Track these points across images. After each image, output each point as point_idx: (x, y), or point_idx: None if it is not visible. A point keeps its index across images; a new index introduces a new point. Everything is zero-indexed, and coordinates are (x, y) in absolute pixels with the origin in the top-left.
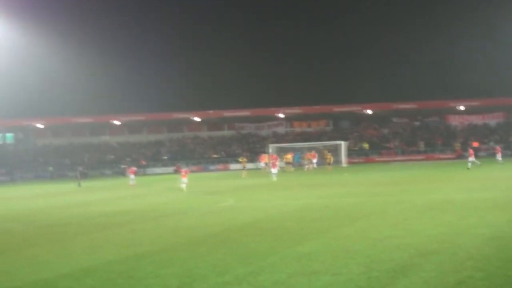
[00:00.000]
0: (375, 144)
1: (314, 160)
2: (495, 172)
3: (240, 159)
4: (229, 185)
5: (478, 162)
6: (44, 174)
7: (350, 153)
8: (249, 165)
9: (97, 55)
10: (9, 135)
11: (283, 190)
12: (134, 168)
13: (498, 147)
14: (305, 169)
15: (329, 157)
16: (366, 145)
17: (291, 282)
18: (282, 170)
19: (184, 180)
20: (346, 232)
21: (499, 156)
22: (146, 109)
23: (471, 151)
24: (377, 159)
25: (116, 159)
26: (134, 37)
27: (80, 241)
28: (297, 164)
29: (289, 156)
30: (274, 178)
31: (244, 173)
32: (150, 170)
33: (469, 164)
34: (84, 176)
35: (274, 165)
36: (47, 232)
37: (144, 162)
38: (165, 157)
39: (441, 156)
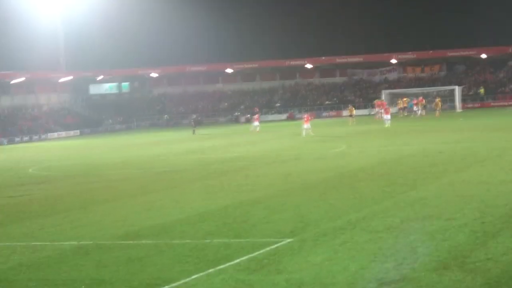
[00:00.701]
0: (491, 89)
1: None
2: None
3: (349, 109)
4: (341, 131)
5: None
6: (160, 122)
7: (465, 98)
8: (361, 112)
9: (211, 2)
10: (125, 84)
11: (396, 135)
12: (258, 115)
13: None
14: (418, 114)
15: (438, 103)
16: (482, 90)
17: (404, 227)
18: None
19: (305, 126)
20: (460, 177)
21: None
22: (259, 56)
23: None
24: (492, 104)
25: (230, 106)
26: None
27: (195, 187)
28: (410, 110)
29: (404, 101)
30: (387, 124)
31: (351, 121)
32: (264, 117)
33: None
34: (198, 123)
35: (387, 111)
36: (163, 178)
37: (257, 109)
38: (278, 104)
39: None
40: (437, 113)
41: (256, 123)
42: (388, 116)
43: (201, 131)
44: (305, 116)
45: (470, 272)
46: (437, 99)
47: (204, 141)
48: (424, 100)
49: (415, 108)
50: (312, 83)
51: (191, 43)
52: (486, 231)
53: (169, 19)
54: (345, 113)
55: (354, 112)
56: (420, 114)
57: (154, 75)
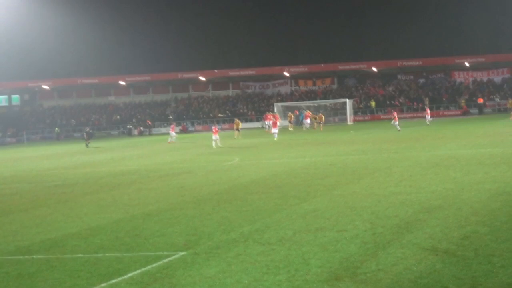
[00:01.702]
0: (381, 102)
1: (307, 120)
2: (502, 128)
3: (235, 123)
4: (234, 144)
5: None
6: (51, 135)
7: (356, 111)
8: (253, 124)
9: (102, 15)
10: (15, 97)
11: (289, 148)
12: (174, 125)
13: None
14: (308, 127)
15: (320, 117)
16: (372, 103)
17: (296, 239)
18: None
19: (214, 137)
20: (351, 189)
21: None
22: (152, 69)
23: (394, 113)
24: (382, 116)
25: (122, 119)
26: None
27: (87, 201)
28: (300, 123)
29: (292, 115)
30: (275, 138)
31: (237, 134)
32: (156, 130)
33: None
34: (91, 136)
35: (274, 125)
36: (54, 192)
37: (150, 122)
38: (171, 117)
39: (446, 112)
40: (320, 126)
41: (173, 133)
42: (276, 130)
43: (94, 144)
44: (214, 127)
45: (361, 283)
46: (320, 113)
47: (96, 154)
48: (310, 114)
49: (307, 120)
50: (205, 96)
51: (83, 55)
52: (376, 242)
53: (60, 30)
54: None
55: (240, 125)
56: (310, 127)
57: (45, 87)
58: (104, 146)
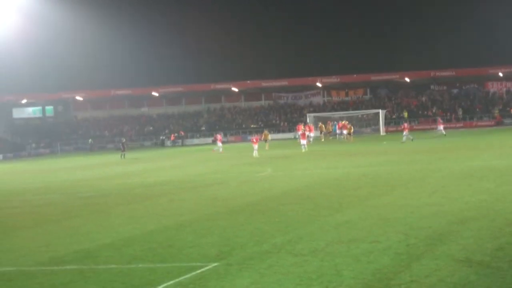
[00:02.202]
0: (414, 112)
1: (344, 131)
2: None
3: (263, 134)
4: (267, 155)
5: (410, 137)
6: (84, 146)
7: (389, 121)
8: (286, 135)
9: (136, 27)
10: (49, 108)
11: (321, 159)
12: (220, 136)
13: None
14: (343, 138)
15: (349, 127)
16: (405, 114)
17: (329, 250)
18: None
19: (255, 147)
20: (384, 200)
21: None
22: (184, 80)
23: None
24: (415, 127)
25: (155, 130)
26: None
27: (120, 212)
28: (334, 134)
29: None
30: (303, 150)
31: (267, 145)
32: (189, 141)
33: (404, 138)
34: (126, 147)
35: (303, 136)
36: (88, 203)
37: (183, 133)
38: (203, 128)
39: (480, 123)
40: (351, 138)
41: (220, 144)
42: (304, 141)
43: (128, 155)
44: (254, 138)
45: None
46: (348, 124)
47: (129, 165)
48: (348, 125)
49: (338, 131)
50: (238, 106)
51: (117, 67)
52: (410, 254)
53: (94, 42)
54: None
55: (269, 137)
56: (346, 138)
57: (78, 98)
58: (139, 157)
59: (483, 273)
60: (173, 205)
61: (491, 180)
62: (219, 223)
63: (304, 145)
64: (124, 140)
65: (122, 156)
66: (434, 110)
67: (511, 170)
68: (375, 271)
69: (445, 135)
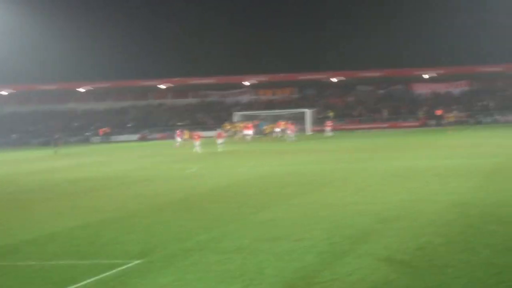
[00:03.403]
0: (340, 112)
1: (249, 131)
2: (459, 139)
3: (185, 134)
4: (193, 153)
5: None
6: (8, 141)
7: (316, 121)
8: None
9: (62, 21)
10: None
11: (247, 157)
12: (180, 131)
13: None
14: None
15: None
16: (331, 113)
17: (253, 248)
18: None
19: (197, 143)
20: (309, 198)
21: None
22: (111, 76)
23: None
24: (341, 127)
25: (81, 126)
26: (101, 2)
27: (43, 208)
28: (260, 132)
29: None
30: (219, 149)
31: (184, 144)
32: (115, 137)
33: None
34: (59, 143)
35: (219, 135)
36: (10, 199)
37: (109, 130)
38: (130, 125)
39: (405, 124)
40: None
41: (179, 138)
42: (221, 141)
43: (59, 151)
44: (195, 134)
45: None
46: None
47: (54, 161)
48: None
49: (276, 129)
50: (165, 104)
51: (43, 61)
52: (333, 252)
53: (19, 35)
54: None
55: (188, 135)
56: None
57: (3, 93)
58: (63, 153)
59: (403, 272)
60: (98, 202)
61: (414, 180)
62: (143, 220)
63: (220, 144)
64: (57, 136)
65: (55, 152)
66: (359, 110)
67: (433, 170)
68: (298, 269)
69: (332, 136)
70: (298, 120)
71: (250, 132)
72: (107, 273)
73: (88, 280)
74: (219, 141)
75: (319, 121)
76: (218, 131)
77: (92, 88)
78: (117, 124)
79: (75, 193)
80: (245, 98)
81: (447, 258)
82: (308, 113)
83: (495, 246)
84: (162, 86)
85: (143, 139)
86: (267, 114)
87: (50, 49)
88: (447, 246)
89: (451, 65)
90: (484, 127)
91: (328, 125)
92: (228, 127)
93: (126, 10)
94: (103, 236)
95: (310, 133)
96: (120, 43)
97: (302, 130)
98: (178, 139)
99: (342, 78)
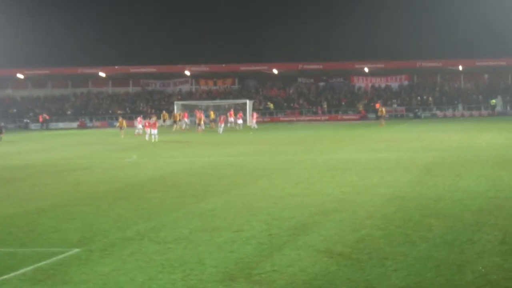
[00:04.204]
0: (280, 104)
1: (186, 120)
2: (398, 133)
3: (119, 122)
4: (133, 142)
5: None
6: None
7: (256, 112)
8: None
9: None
10: None
11: (188, 147)
12: (140, 118)
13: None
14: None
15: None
16: (271, 105)
17: (192, 238)
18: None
19: (153, 131)
20: (249, 190)
21: None
22: (51, 63)
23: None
24: (282, 118)
25: (19, 113)
26: None
27: None
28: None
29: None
30: (146, 138)
31: (122, 133)
32: (54, 125)
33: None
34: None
35: (148, 125)
36: None
37: (48, 117)
38: (69, 112)
39: (345, 116)
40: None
41: (140, 125)
42: (154, 131)
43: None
44: (147, 121)
45: (256, 283)
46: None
47: None
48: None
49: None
50: (105, 92)
51: None
52: (272, 243)
53: None
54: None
55: (125, 124)
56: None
57: None
58: (7, 140)
59: (343, 264)
60: (35, 190)
61: (353, 173)
62: (82, 208)
63: (154, 134)
64: (2, 124)
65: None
66: (300, 102)
67: (373, 163)
68: (238, 260)
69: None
70: (238, 111)
71: (187, 121)
72: (46, 261)
73: (27, 268)
74: (153, 130)
75: (260, 112)
76: (150, 120)
77: (31, 75)
78: (56, 111)
79: (13, 180)
80: (185, 88)
81: (386, 250)
82: (248, 103)
83: (434, 240)
84: (102, 74)
85: (82, 126)
86: (208, 104)
87: None
88: (386, 239)
89: (391, 59)
90: (423, 121)
91: (254, 117)
92: (166, 116)
93: None
94: (41, 224)
95: (251, 124)
96: (61, 30)
97: (244, 121)
98: (139, 126)
99: (284, 70)
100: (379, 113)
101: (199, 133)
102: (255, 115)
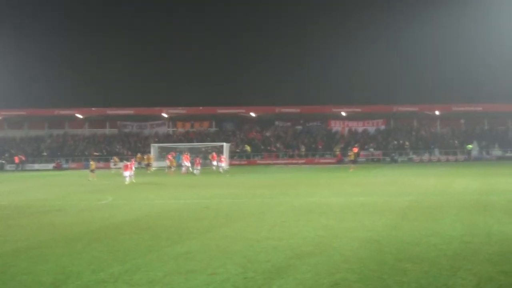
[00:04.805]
0: (257, 147)
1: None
2: (374, 177)
3: (91, 163)
4: (108, 184)
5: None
6: None
7: (233, 155)
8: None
9: None
10: None
11: (164, 190)
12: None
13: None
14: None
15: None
16: (248, 147)
17: (167, 281)
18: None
19: (128, 173)
20: (224, 232)
21: None
22: (28, 104)
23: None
24: (258, 161)
25: None
26: (16, 29)
27: None
28: (178, 164)
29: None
30: (126, 182)
31: (91, 176)
32: (30, 166)
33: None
34: None
35: (126, 167)
36: None
37: (24, 158)
38: (45, 153)
39: (322, 160)
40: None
41: (187, 163)
42: (127, 173)
43: None
44: (126, 164)
45: None
46: (171, 155)
47: None
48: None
49: (185, 163)
50: (82, 133)
51: None
52: (247, 287)
53: None
54: (112, 164)
55: (94, 166)
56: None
57: None
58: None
59: None
60: (10, 231)
61: (329, 217)
62: (55, 250)
63: (127, 176)
64: None
65: None
66: (277, 145)
67: (349, 207)
68: None
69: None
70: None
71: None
72: None
73: None
74: (126, 173)
75: (237, 155)
76: (125, 163)
77: (7, 116)
78: (32, 152)
79: None
80: (163, 130)
81: None
82: (225, 146)
83: (409, 284)
84: (79, 116)
85: (58, 168)
86: (185, 146)
87: None
88: (361, 283)
89: (368, 103)
90: (400, 166)
91: (222, 159)
92: (140, 158)
93: (43, 35)
94: (15, 266)
95: (227, 167)
96: (38, 71)
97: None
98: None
99: (261, 113)
100: (349, 158)
101: (171, 175)
102: (222, 157)
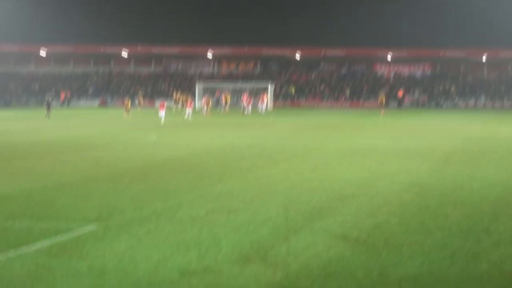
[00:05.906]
0: (302, 89)
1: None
2: (420, 122)
3: (126, 103)
4: (153, 122)
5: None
6: None
7: (277, 96)
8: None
9: None
10: None
11: (208, 129)
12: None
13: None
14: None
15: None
16: (292, 89)
17: (208, 219)
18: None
19: (161, 113)
20: (267, 173)
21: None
22: (74, 40)
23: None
24: (303, 103)
25: (41, 90)
26: None
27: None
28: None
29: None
30: (186, 117)
31: (125, 115)
32: (75, 103)
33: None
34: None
35: (190, 105)
36: None
37: (69, 94)
38: (91, 90)
39: (366, 103)
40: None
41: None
42: (189, 110)
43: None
44: (160, 103)
45: (271, 266)
46: (224, 94)
47: (11, 123)
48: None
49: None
50: (127, 71)
51: (3, 21)
52: (288, 227)
53: None
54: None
55: (130, 105)
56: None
57: None
58: (21, 116)
59: (358, 250)
60: (55, 166)
61: (373, 160)
62: (100, 186)
63: (189, 113)
64: (50, 99)
65: (47, 116)
66: (322, 88)
67: (393, 150)
68: (253, 242)
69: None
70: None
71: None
72: (63, 236)
73: (44, 242)
74: (161, 113)
75: (283, 96)
76: (161, 101)
77: (54, 52)
78: (77, 89)
79: (33, 156)
80: (207, 69)
81: (402, 238)
82: (270, 87)
83: (450, 228)
84: (125, 54)
85: (103, 105)
86: (228, 86)
87: (10, 9)
88: (402, 226)
89: (415, 47)
90: (444, 111)
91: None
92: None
93: None
94: (60, 200)
95: (272, 108)
96: (84, 6)
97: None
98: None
99: (306, 54)
100: (379, 101)
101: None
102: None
